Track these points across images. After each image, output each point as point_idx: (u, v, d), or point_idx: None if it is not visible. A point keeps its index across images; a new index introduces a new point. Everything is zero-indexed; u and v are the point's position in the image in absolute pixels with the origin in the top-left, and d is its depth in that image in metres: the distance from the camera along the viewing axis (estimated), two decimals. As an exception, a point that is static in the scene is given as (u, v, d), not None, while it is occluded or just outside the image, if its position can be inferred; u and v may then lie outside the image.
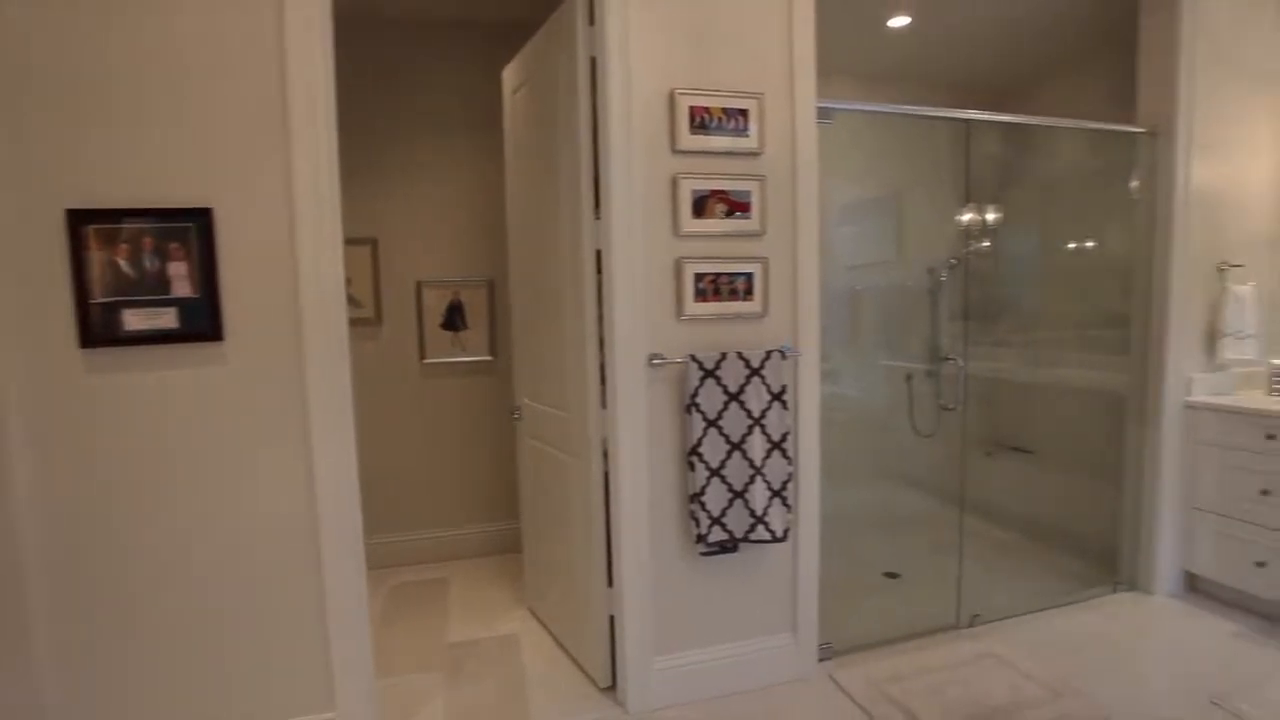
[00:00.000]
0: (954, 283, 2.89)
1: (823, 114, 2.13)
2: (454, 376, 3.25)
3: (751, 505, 1.98)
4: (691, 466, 1.95)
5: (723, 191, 1.98)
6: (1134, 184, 2.74)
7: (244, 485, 1.68)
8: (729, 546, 2.02)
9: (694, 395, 1.93)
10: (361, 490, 1.79)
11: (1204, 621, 2.53)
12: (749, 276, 2.01)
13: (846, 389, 3.56)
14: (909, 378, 3.16)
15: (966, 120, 2.53)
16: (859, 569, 3.02)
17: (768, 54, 2.02)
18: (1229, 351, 2.65)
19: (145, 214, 1.58)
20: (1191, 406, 2.65)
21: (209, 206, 1.61)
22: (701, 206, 1.96)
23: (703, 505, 1.95)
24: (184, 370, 1.63)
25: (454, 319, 3.22)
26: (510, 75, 2.59)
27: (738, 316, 2.03)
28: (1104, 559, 2.87)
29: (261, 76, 1.63)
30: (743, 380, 1.96)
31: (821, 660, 2.27)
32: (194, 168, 1.61)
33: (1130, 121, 2.71)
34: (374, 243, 3.09)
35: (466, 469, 3.29)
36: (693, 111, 1.94)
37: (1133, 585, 2.79)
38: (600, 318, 2.01)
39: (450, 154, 3.17)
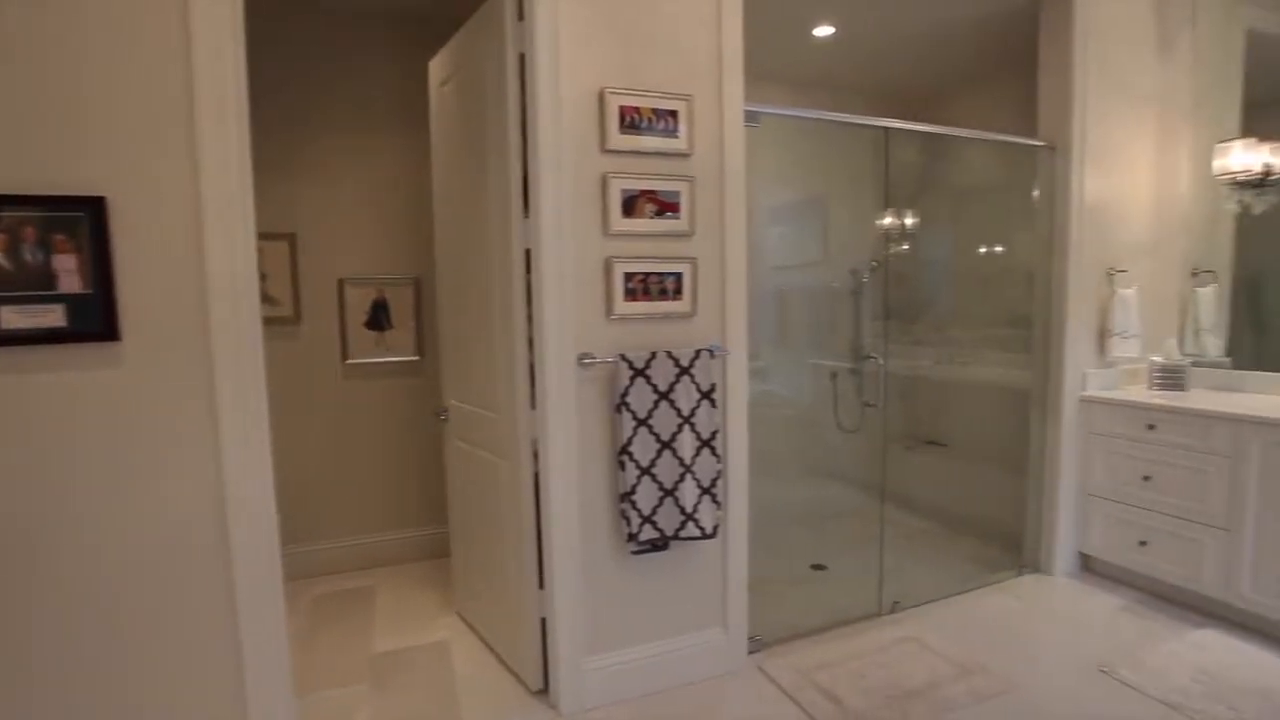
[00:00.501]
0: (875, 284, 3.01)
1: (750, 118, 2.18)
2: (379, 377, 3.14)
3: (682, 503, 2.01)
4: (622, 466, 1.96)
5: (652, 192, 1.99)
6: (1036, 194, 2.93)
7: (144, 497, 1.57)
8: (660, 544, 2.04)
9: (624, 394, 1.94)
10: (281, 497, 1.70)
11: (1095, 598, 2.74)
12: (678, 276, 2.04)
13: (775, 387, 3.67)
14: (834, 375, 3.28)
15: (885, 128, 2.64)
16: (787, 562, 3.12)
17: (697, 57, 2.05)
18: (1116, 350, 2.88)
19: (25, 201, 1.45)
20: (1086, 400, 2.86)
21: (102, 195, 1.49)
22: (631, 206, 1.97)
23: (634, 504, 1.96)
24: (75, 372, 1.51)
25: (379, 318, 3.12)
26: (437, 68, 2.53)
27: (667, 316, 2.05)
28: (1011, 544, 3.06)
29: (164, 57, 1.52)
30: (672, 379, 1.98)
31: (752, 653, 2.32)
32: (85, 153, 1.48)
33: (1032, 135, 2.90)
34: (292, 238, 2.95)
35: (392, 472, 3.19)
36: (623, 111, 1.95)
37: (1035, 567, 2.98)
38: (530, 317, 1.99)
39: (375, 147, 3.06)
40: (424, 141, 2.73)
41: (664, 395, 1.97)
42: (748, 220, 2.17)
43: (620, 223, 1.96)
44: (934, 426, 3.70)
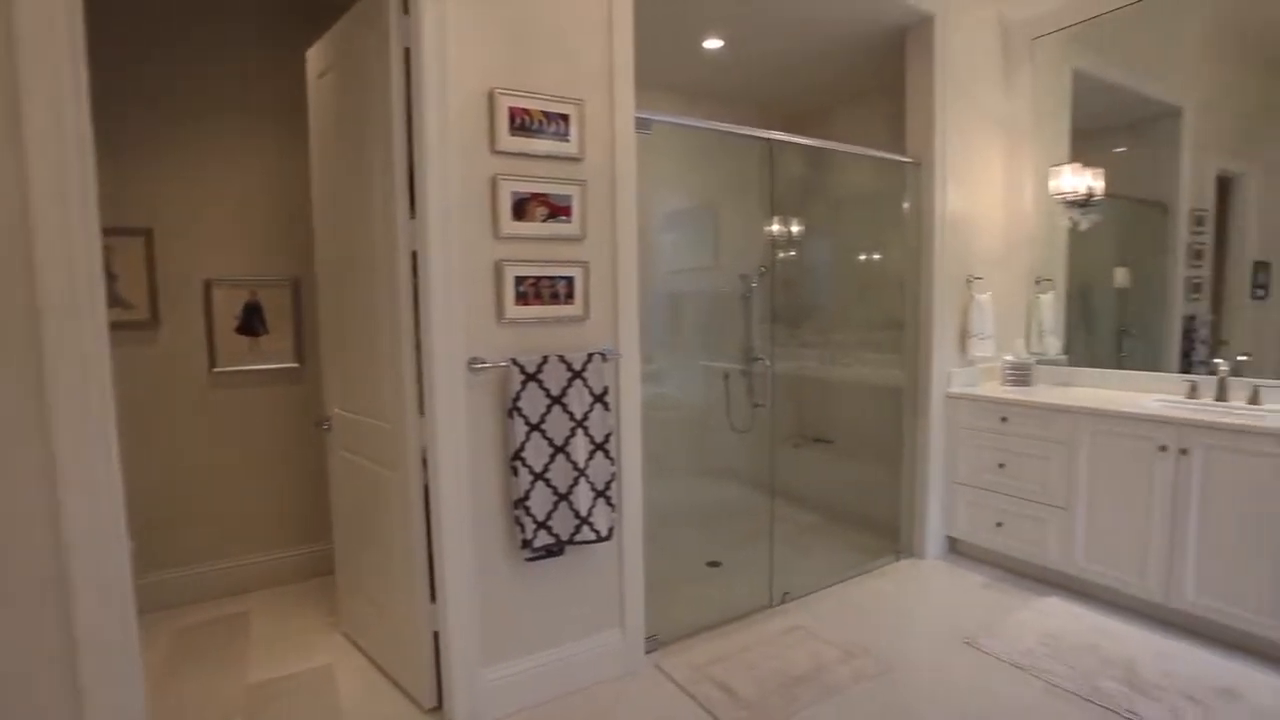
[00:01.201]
0: (764, 289, 3.14)
1: (641, 124, 2.22)
2: (253, 386, 2.92)
3: (576, 507, 2.00)
4: (515, 471, 1.93)
5: (544, 195, 1.99)
6: (906, 206, 3.17)
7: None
8: (555, 550, 2.03)
9: (516, 399, 1.91)
10: (138, 520, 1.54)
11: (961, 577, 2.99)
12: (570, 280, 2.04)
13: (669, 389, 3.74)
14: (726, 377, 3.39)
15: (770, 140, 2.77)
16: (683, 561, 3.18)
17: (588, 62, 2.07)
18: (975, 350, 3.17)
19: None
20: (951, 397, 3.13)
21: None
22: (522, 209, 1.95)
23: (527, 510, 1.94)
24: None
25: (252, 322, 2.91)
26: (316, 57, 2.39)
27: (559, 320, 2.04)
28: (888, 531, 3.29)
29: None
30: (565, 383, 1.98)
31: (649, 652, 2.35)
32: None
33: (902, 152, 3.14)
34: (148, 233, 2.69)
35: (270, 488, 2.98)
36: (513, 112, 1.93)
37: (910, 552, 3.22)
38: (417, 321, 1.92)
39: (247, 136, 2.85)
40: (301, 132, 2.57)
41: (557, 399, 1.97)
42: (641, 225, 2.20)
43: (511, 225, 1.94)
44: (820, 424, 3.91)
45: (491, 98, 1.90)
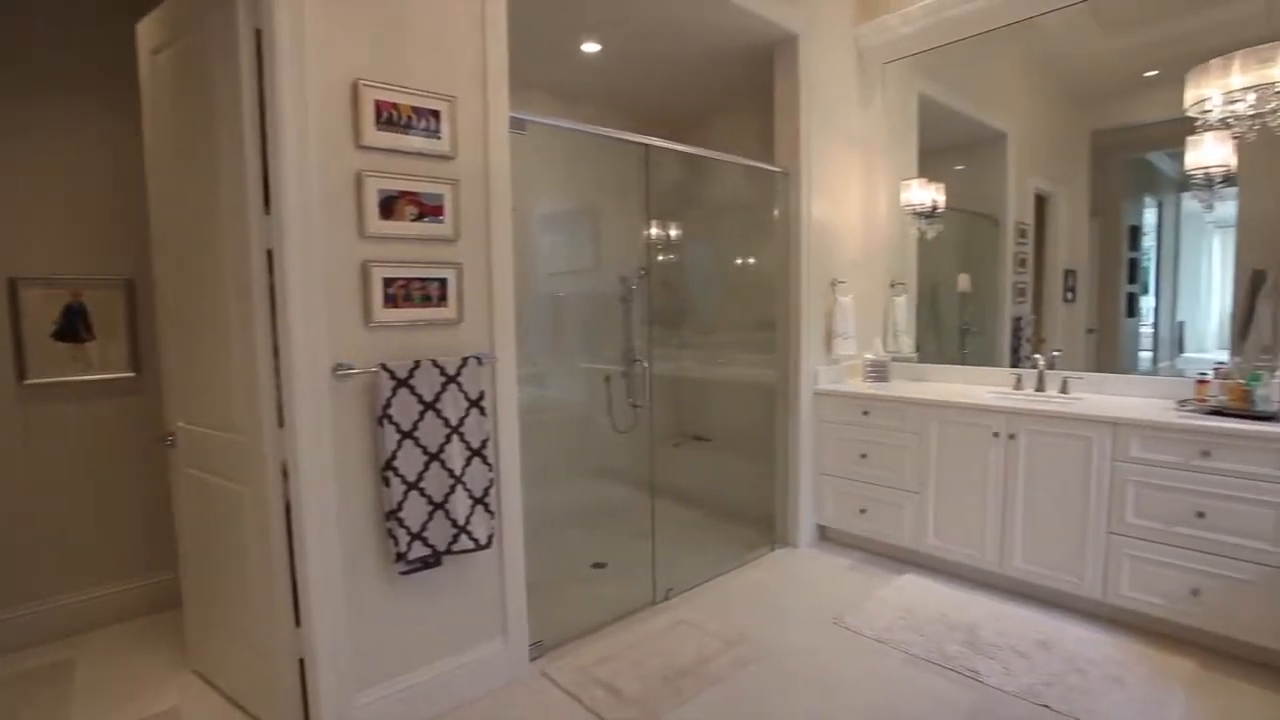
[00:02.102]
0: (643, 291, 3.20)
1: (517, 124, 2.19)
2: (77, 400, 2.58)
3: (453, 515, 1.94)
4: (387, 482, 1.84)
5: (414, 193, 1.91)
6: (776, 213, 3.34)
7: None
8: (432, 561, 1.95)
9: (386, 406, 1.82)
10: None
11: (830, 561, 3.20)
12: (443, 282, 1.97)
13: (551, 392, 3.72)
14: (607, 379, 3.42)
15: (646, 145, 2.82)
16: (568, 563, 3.17)
17: (461, 57, 2.01)
18: (839, 349, 3.40)
19: None
20: (819, 393, 3.33)
21: None
22: (390, 208, 1.87)
23: (401, 521, 1.85)
24: None
25: (74, 327, 2.57)
26: (149, 31, 2.16)
27: (431, 323, 1.97)
28: (764, 523, 3.44)
29: None
30: (438, 388, 1.91)
31: (534, 659, 2.32)
32: None
33: (772, 162, 3.31)
34: (-65, 227, 2.31)
35: (101, 513, 2.64)
36: (379, 106, 1.84)
37: (785, 542, 3.39)
38: (274, 325, 1.78)
39: (64, 115, 2.51)
40: (134, 113, 2.30)
41: (430, 405, 1.89)
42: (518, 227, 2.18)
43: (378, 225, 1.85)
44: (699, 423, 4.04)
45: (356, 89, 1.80)
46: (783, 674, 2.26)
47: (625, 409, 3.25)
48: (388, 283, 1.86)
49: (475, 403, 1.99)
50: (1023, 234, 3.31)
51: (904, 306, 3.57)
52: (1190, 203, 2.80)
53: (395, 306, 1.88)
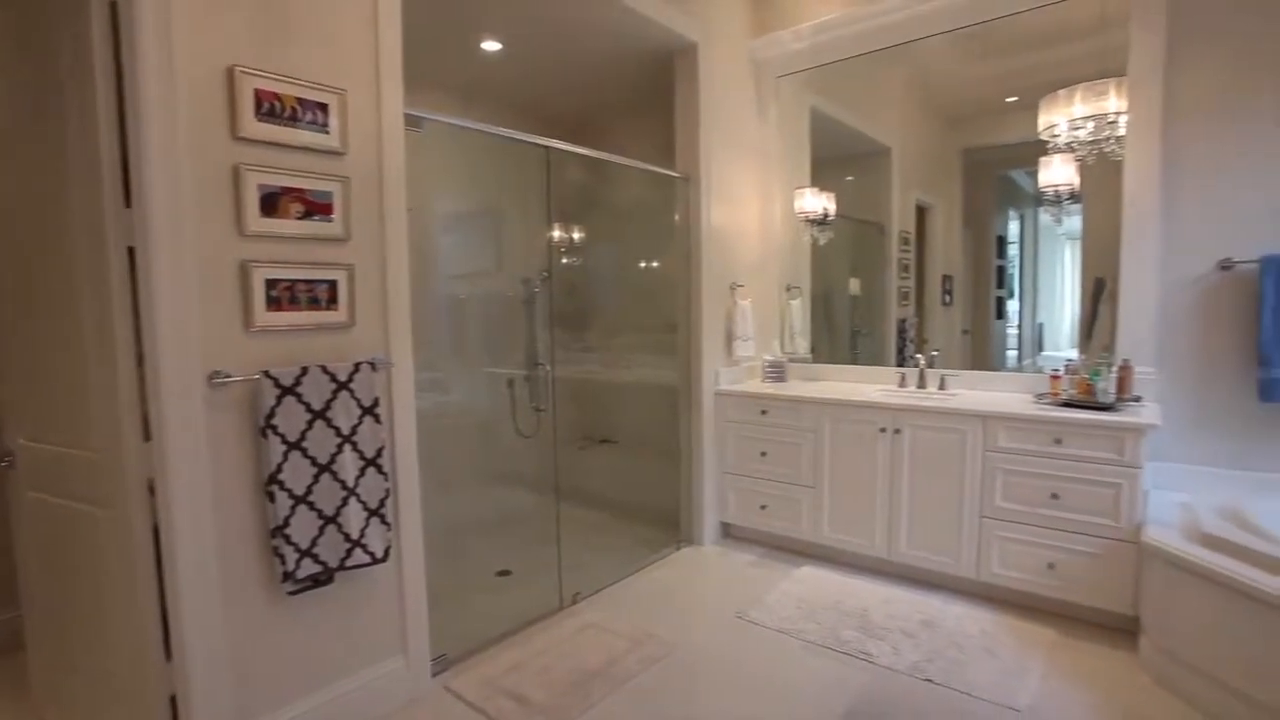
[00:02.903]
0: (546, 294, 3.17)
1: (412, 121, 2.12)
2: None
3: (346, 529, 1.84)
4: (271, 497, 1.72)
5: (299, 190, 1.80)
6: (677, 218, 3.41)
7: None
8: (323, 579, 1.84)
9: (270, 416, 1.71)
10: None
11: (733, 558, 3.29)
12: (333, 284, 1.87)
13: (453, 397, 3.62)
14: (510, 383, 3.36)
15: (547, 147, 2.80)
16: (472, 573, 3.09)
17: (351, 49, 1.92)
18: (739, 350, 3.51)
19: None
20: (719, 394, 3.42)
21: None
22: (273, 204, 1.75)
23: (288, 539, 1.74)
24: None
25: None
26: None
27: (320, 327, 1.86)
28: (670, 523, 3.50)
29: None
30: (329, 396, 1.81)
31: (438, 674, 2.24)
32: None
33: (673, 167, 3.37)
34: None
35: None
36: (260, 95, 1.72)
37: (690, 540, 3.46)
38: (138, 330, 1.63)
39: None
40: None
41: (319, 414, 1.79)
42: (416, 227, 2.10)
43: (260, 222, 1.73)
44: (604, 425, 4.05)
45: (232, 76, 1.68)
46: (689, 670, 2.30)
47: (529, 413, 3.21)
48: (271, 284, 1.75)
49: (369, 410, 1.90)
50: (906, 242, 3.55)
51: (799, 309, 3.74)
52: (1045, 216, 3.10)
53: (280, 310, 1.77)
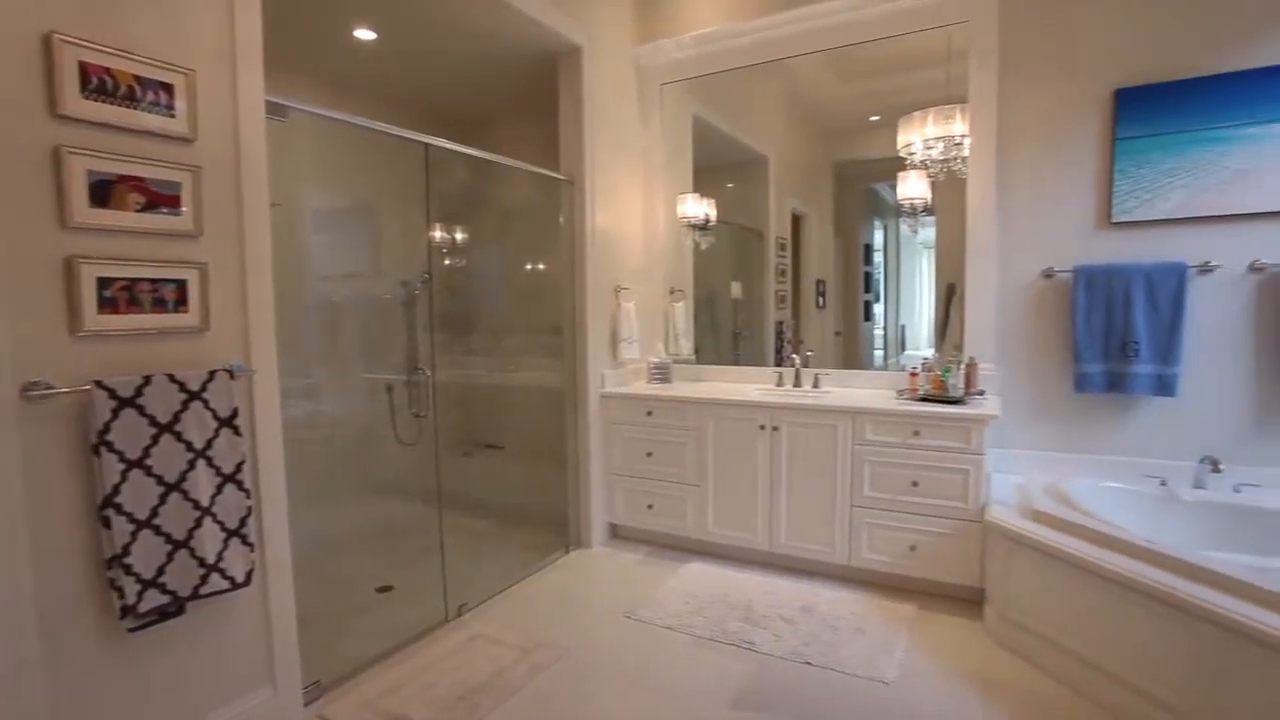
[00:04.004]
0: (427, 296, 3.05)
1: (276, 110, 1.97)
2: None
3: (201, 553, 1.67)
4: (107, 523, 1.53)
5: (139, 179, 1.62)
6: (562, 220, 3.39)
7: None
8: (172, 610, 1.66)
9: (104, 431, 1.52)
10: None
11: (622, 558, 3.32)
12: (181, 284, 1.70)
13: (327, 405, 3.40)
14: (390, 389, 3.20)
15: (426, 144, 2.70)
16: (350, 590, 2.92)
17: (201, 26, 1.75)
18: (624, 353, 3.54)
19: None
20: (605, 396, 3.44)
21: None
22: (107, 194, 1.56)
23: (128, 569, 1.55)
24: None
25: None
26: None
27: (168, 331, 1.68)
28: (559, 527, 3.47)
29: None
30: (178, 407, 1.64)
31: (311, 703, 2.09)
32: None
33: (558, 169, 3.35)
34: None
35: None
36: (87, 69, 1.53)
37: (579, 543, 3.45)
38: (-71, 335, 1.39)
39: None
40: None
41: (166, 427, 1.62)
42: (283, 224, 1.95)
43: (89, 214, 1.54)
44: (490, 430, 3.96)
45: (50, 44, 1.47)
46: (579, 674, 2.30)
47: (409, 420, 3.06)
48: (105, 284, 1.56)
49: (227, 421, 1.74)
50: (783, 248, 3.73)
51: (683, 312, 3.83)
52: (904, 227, 3.37)
53: (116, 312, 1.58)
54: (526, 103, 3.90)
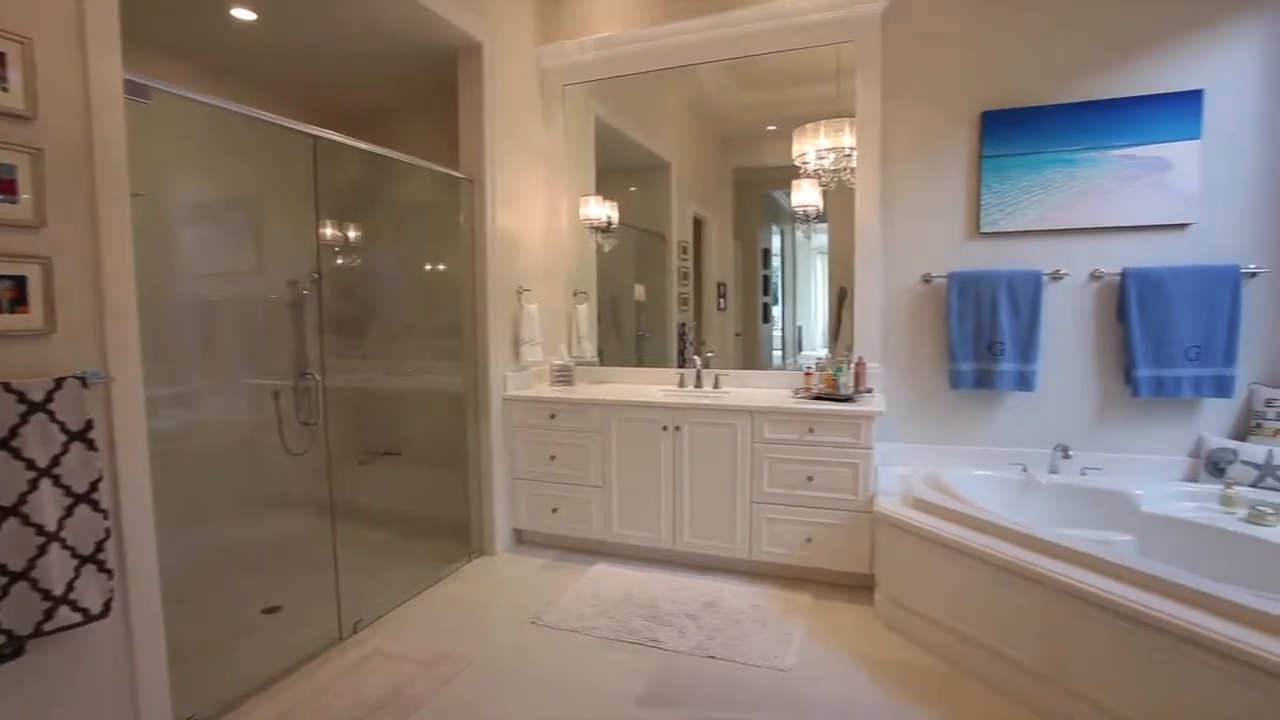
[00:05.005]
0: (317, 297, 2.88)
1: (136, 90, 1.79)
2: None
3: (45, 585, 1.49)
4: (-74, 553, 1.34)
5: (-35, 161, 1.43)
6: (462, 219, 3.30)
7: None
8: (8, 652, 1.47)
9: (-78, 449, 1.33)
10: None
11: (526, 564, 3.27)
12: (20, 280, 1.51)
13: (205, 414, 3.14)
14: (276, 395, 2.99)
15: (315, 136, 2.55)
16: (232, 614, 2.70)
17: (39, -10, 1.57)
18: (527, 355, 3.50)
19: None
20: (508, 399, 3.38)
21: None
22: (-78, 178, 1.37)
23: (-47, 604, 1.37)
24: None
25: None
26: None
27: (2, 335, 1.50)
28: (461, 534, 3.37)
29: None
30: (16, 420, 1.45)
31: (183, 739, 1.92)
32: None
33: (457, 168, 3.26)
34: None
35: None
36: (-104, 37, 1.33)
37: (482, 550, 3.37)
38: None
39: None
40: None
41: (1, 444, 1.43)
42: (148, 216, 1.79)
43: (-100, 199, 1.34)
44: (388, 437, 3.79)
45: None
46: (484, 683, 2.24)
47: (298, 428, 2.88)
48: (-81, 280, 1.36)
49: (78, 435, 1.56)
50: (685, 251, 3.81)
51: (586, 314, 3.83)
52: (799, 233, 3.53)
53: (-66, 313, 1.39)
54: (427, 99, 3.76)
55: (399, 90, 3.89)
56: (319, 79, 3.74)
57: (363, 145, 2.77)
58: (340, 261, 3.93)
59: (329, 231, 3.35)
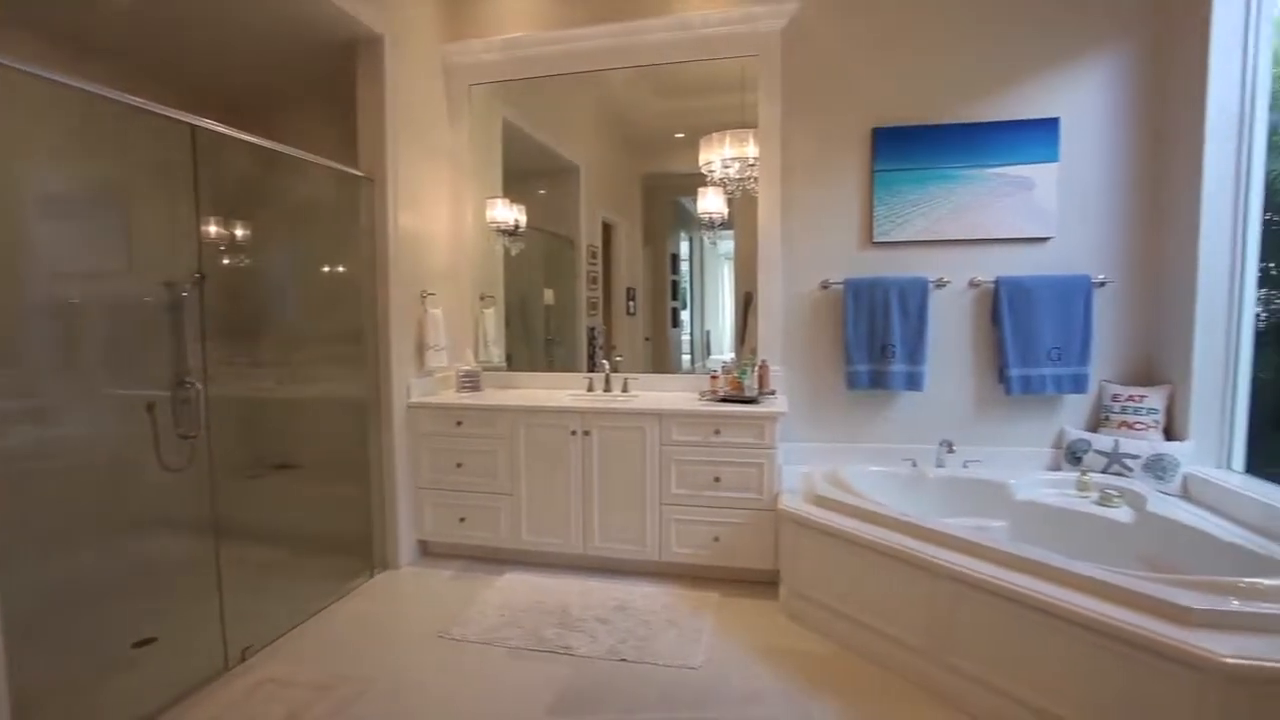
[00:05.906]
0: (198, 299, 2.67)
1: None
2: None
3: None
4: None
5: None
6: (362, 219, 3.16)
7: None
8: None
9: None
10: None
11: (432, 576, 3.17)
12: None
13: (65, 429, 2.83)
14: (151, 407, 2.74)
15: (193, 126, 2.38)
16: (97, 650, 2.45)
17: None
18: (431, 361, 3.39)
19: None
20: (412, 406, 3.27)
21: None
22: None
23: None
24: None
25: None
26: None
27: None
28: (362, 549, 3.22)
29: None
30: None
31: (35, 792, 1.73)
32: None
33: (356, 165, 3.12)
34: None
35: None
36: None
37: (385, 564, 3.23)
38: None
39: None
40: None
41: None
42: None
43: None
44: (283, 449, 3.56)
45: None
46: (388, 704, 2.15)
47: (176, 442, 2.65)
48: None
49: (-99, 456, 1.38)
50: (594, 255, 3.81)
51: (494, 318, 3.76)
52: (706, 239, 3.62)
53: None
54: (324, 91, 3.58)
55: (295, 82, 3.69)
56: (206, 66, 3.48)
57: (248, 137, 2.61)
58: (227, 261, 3.65)
59: (213, 229, 3.10)
